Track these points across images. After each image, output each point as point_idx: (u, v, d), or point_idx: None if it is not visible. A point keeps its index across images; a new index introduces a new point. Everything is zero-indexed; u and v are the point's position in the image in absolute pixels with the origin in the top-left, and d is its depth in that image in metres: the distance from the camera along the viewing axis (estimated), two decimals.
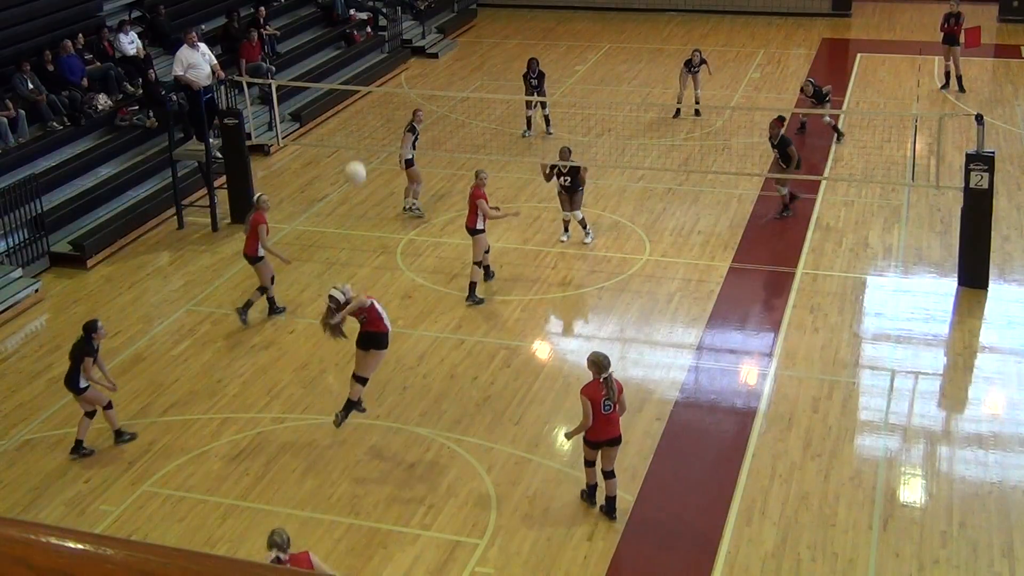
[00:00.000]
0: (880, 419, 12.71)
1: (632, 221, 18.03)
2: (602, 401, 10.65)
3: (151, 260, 17.55)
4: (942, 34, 24.04)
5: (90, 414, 12.44)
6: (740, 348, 14.51)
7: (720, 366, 14.07)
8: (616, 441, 10.91)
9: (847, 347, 14.18)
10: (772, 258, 16.69)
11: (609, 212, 18.41)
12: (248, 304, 15.23)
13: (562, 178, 17.18)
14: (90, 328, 12.34)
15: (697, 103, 22.72)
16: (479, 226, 15.22)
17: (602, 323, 14.99)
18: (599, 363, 10.74)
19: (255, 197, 15.65)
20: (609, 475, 10.99)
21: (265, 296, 15.34)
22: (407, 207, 18.57)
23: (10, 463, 12.39)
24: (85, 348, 12.25)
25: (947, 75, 24.22)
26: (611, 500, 11.04)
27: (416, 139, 18.37)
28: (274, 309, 15.40)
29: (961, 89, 23.87)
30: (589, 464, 11.10)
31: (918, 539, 10.64)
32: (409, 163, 18.32)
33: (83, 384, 12.27)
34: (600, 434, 10.80)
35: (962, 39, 23.51)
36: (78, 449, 12.43)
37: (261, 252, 15.02)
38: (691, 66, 22.66)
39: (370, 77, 25.37)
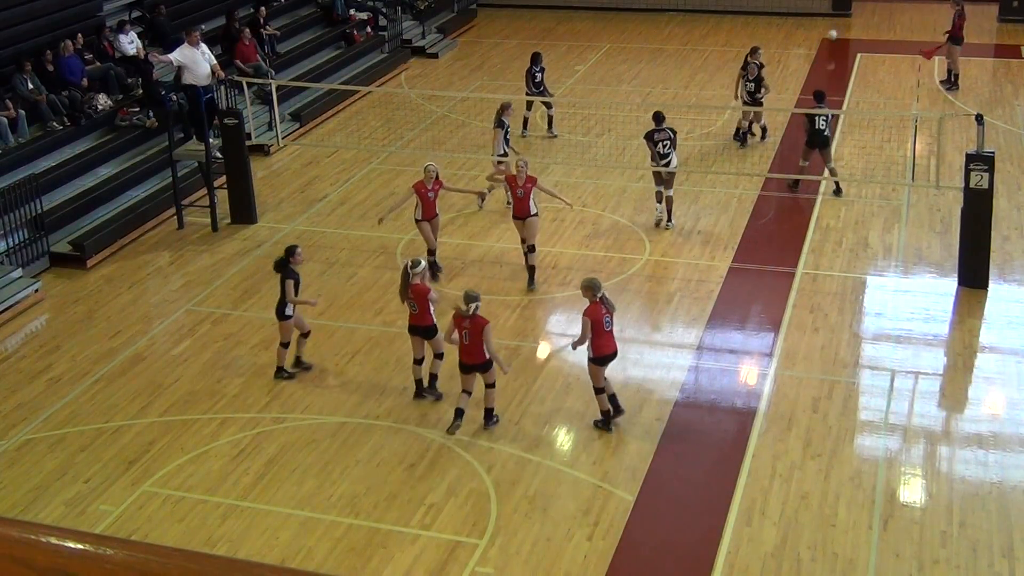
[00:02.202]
0: (880, 419, 12.71)
1: (632, 221, 18.02)
2: (603, 318, 12.01)
3: (151, 260, 17.55)
4: (947, 33, 24.12)
5: (285, 344, 13.64)
6: (740, 348, 14.51)
7: (720, 366, 14.07)
8: (615, 355, 12.31)
9: (847, 347, 14.18)
10: (772, 258, 16.69)
11: (609, 212, 18.41)
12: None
13: (659, 145, 17.34)
14: (289, 252, 13.46)
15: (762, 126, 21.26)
16: (533, 211, 15.74)
17: None
18: (592, 287, 12.14)
19: (426, 168, 15.91)
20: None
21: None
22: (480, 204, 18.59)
23: (10, 463, 12.39)
24: (286, 271, 13.34)
25: (948, 72, 24.35)
26: (612, 397, 12.47)
27: (507, 134, 18.22)
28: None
29: (956, 86, 23.92)
30: (599, 391, 12.34)
31: (918, 539, 10.64)
32: (500, 159, 18.11)
33: (288, 312, 13.39)
34: (607, 348, 12.16)
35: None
36: (279, 373, 13.72)
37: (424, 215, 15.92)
38: (747, 74, 20.68)
39: (370, 77, 25.37)
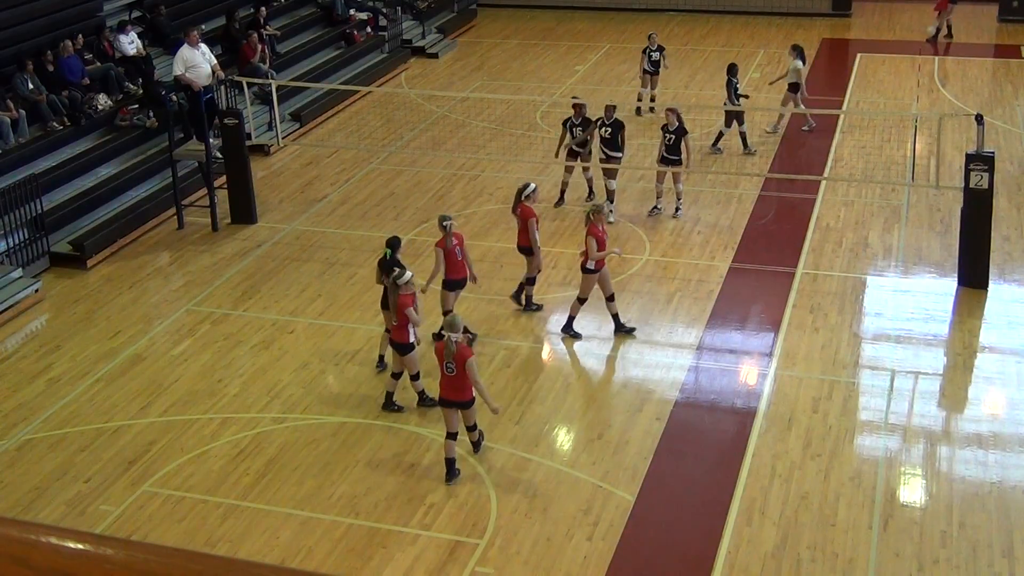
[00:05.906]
0: (880, 419, 12.71)
1: (632, 221, 18.02)
2: (444, 363, 11.40)
3: (151, 260, 17.55)
4: None
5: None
6: (740, 348, 14.50)
7: (720, 366, 14.07)
8: (463, 404, 11.53)
9: (847, 347, 14.17)
10: (772, 258, 16.68)
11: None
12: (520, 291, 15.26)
13: (603, 128, 17.78)
14: (393, 244, 13.52)
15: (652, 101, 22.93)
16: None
17: (602, 323, 14.97)
18: (450, 324, 11.55)
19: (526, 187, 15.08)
20: (471, 428, 11.80)
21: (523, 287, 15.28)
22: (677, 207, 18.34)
23: (10, 463, 12.39)
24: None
25: (949, 28, 27.70)
26: (475, 443, 11.99)
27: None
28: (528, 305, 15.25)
29: (949, 35, 27.49)
30: (449, 436, 11.62)
31: (918, 539, 10.64)
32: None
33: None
34: (443, 392, 11.55)
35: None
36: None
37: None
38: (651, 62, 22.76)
39: (370, 77, 25.37)
